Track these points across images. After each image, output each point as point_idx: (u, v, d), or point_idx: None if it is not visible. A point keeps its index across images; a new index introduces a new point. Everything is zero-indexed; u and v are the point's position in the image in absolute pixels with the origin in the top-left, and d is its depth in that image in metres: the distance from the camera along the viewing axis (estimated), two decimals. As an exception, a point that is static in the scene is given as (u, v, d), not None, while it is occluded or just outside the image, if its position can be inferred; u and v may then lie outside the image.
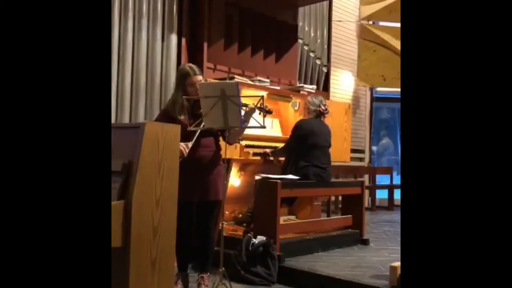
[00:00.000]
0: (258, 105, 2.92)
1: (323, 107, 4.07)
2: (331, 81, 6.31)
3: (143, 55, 3.98)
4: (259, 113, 2.97)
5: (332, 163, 4.39)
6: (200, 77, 2.97)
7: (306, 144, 3.92)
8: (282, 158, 4.14)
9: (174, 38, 4.18)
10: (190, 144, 2.70)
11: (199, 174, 2.92)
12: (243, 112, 2.82)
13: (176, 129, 2.11)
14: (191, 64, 3.09)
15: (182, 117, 2.88)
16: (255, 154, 4.09)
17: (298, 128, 3.98)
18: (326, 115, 4.17)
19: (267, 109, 3.00)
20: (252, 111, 2.91)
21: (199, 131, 2.75)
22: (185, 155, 2.65)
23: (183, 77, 2.96)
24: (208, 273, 3.06)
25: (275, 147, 4.24)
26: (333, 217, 5.25)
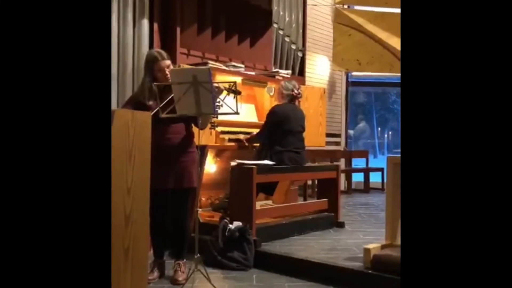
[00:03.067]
0: (227, 86, 2.88)
1: (296, 91, 4.09)
2: (307, 65, 6.31)
3: (114, 40, 3.89)
4: (228, 94, 2.94)
5: (308, 148, 4.42)
6: (168, 62, 2.94)
7: (281, 129, 3.94)
8: (257, 144, 4.14)
9: (145, 23, 4.09)
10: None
11: (172, 161, 2.90)
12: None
13: (146, 116, 2.09)
14: (158, 49, 3.07)
15: (151, 103, 2.84)
16: (230, 140, 4.08)
17: (273, 113, 3.99)
18: (299, 99, 4.20)
19: (235, 89, 2.95)
20: (219, 90, 2.86)
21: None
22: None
23: (151, 62, 2.92)
24: (185, 260, 3.07)
25: (251, 133, 4.23)
26: (309, 201, 5.30)
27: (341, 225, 4.35)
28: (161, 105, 2.71)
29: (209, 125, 3.53)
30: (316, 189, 5.46)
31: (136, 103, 2.84)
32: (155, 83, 2.84)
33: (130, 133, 1.97)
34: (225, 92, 2.91)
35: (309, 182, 6.14)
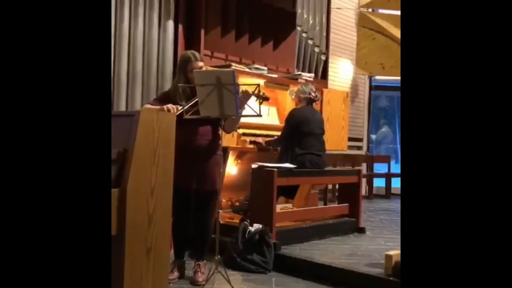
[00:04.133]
0: (256, 92, 2.88)
1: (313, 94, 4.09)
2: (330, 69, 6.28)
3: (140, 42, 3.95)
4: (256, 100, 2.94)
5: (329, 152, 4.39)
6: (201, 63, 2.97)
7: (300, 131, 3.93)
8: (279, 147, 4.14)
9: (171, 24, 4.14)
10: (179, 108, 2.72)
11: (197, 162, 2.91)
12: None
13: (171, 117, 2.10)
14: (193, 51, 3.09)
15: (183, 103, 2.84)
16: (251, 142, 4.08)
17: (291, 117, 3.99)
18: (317, 102, 4.21)
19: (263, 95, 2.97)
20: (246, 95, 2.86)
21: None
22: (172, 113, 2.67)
23: (184, 63, 2.96)
24: (205, 261, 3.07)
25: (272, 135, 4.23)
26: (330, 205, 5.26)
27: (362, 230, 4.30)
28: (186, 106, 2.72)
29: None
30: (336, 194, 5.41)
31: (167, 101, 2.85)
32: (179, 84, 2.86)
33: (155, 133, 1.98)
34: (253, 97, 2.92)
35: (330, 187, 6.09)
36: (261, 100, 2.93)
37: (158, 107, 2.77)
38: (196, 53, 3.02)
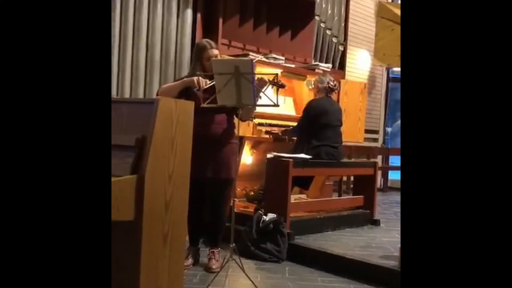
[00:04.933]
0: (270, 79, 2.87)
1: (331, 83, 4.04)
2: (347, 59, 6.22)
3: (158, 29, 3.96)
4: (271, 87, 2.93)
5: (345, 143, 4.37)
6: (216, 51, 2.98)
7: (318, 123, 3.90)
8: (294, 138, 4.13)
9: (189, 13, 4.14)
10: (208, 82, 2.78)
11: (211, 151, 2.93)
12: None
13: (189, 105, 2.11)
14: (207, 39, 3.09)
15: (198, 91, 2.86)
16: (267, 132, 4.08)
17: (309, 108, 3.96)
18: (335, 91, 4.16)
19: (280, 83, 2.95)
20: (262, 83, 2.84)
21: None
22: (201, 87, 2.77)
23: (200, 51, 2.97)
24: (219, 248, 3.11)
25: (288, 126, 4.22)
26: (345, 197, 5.25)
27: (376, 222, 4.29)
28: (211, 98, 2.74)
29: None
30: (351, 186, 5.40)
31: (183, 88, 2.87)
32: (198, 72, 2.87)
33: (174, 121, 2.00)
34: (269, 85, 2.90)
35: (344, 178, 6.07)
36: (277, 88, 2.92)
37: (179, 81, 2.84)
38: (211, 41, 3.03)
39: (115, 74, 3.73)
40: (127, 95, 3.76)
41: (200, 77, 2.78)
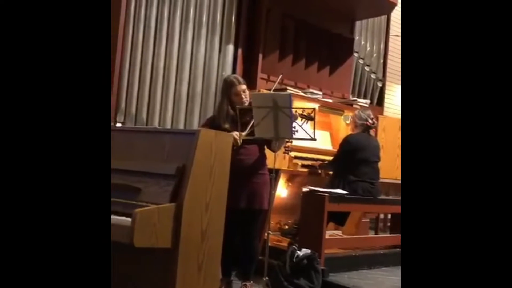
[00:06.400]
0: (305, 114, 2.92)
1: (370, 121, 4.01)
2: (386, 96, 6.19)
3: (201, 63, 4.11)
4: (301, 120, 2.96)
5: (383, 180, 4.29)
6: (244, 86, 3.06)
7: (355, 158, 3.87)
8: (331, 172, 4.10)
9: (231, 48, 4.28)
10: (244, 134, 2.83)
11: (244, 182, 2.96)
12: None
13: (228, 136, 2.18)
14: (235, 75, 3.21)
15: (227, 126, 2.94)
16: (303, 166, 4.08)
17: (346, 143, 3.94)
18: (374, 129, 4.12)
19: (308, 115, 2.96)
20: (294, 117, 2.88)
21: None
22: (239, 143, 2.82)
23: (228, 86, 3.06)
24: (251, 281, 3.08)
25: (324, 160, 4.21)
26: (381, 235, 5.11)
27: (414, 263, 4.14)
28: (249, 131, 2.81)
29: (283, 149, 3.57)
30: (388, 224, 5.26)
31: (212, 124, 2.96)
32: (238, 106, 2.94)
33: (213, 151, 2.06)
34: (299, 118, 2.95)
35: (381, 216, 5.93)
36: (307, 121, 2.95)
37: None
38: (239, 77, 3.14)
39: (158, 104, 3.88)
40: (168, 125, 3.89)
41: (235, 134, 2.82)
